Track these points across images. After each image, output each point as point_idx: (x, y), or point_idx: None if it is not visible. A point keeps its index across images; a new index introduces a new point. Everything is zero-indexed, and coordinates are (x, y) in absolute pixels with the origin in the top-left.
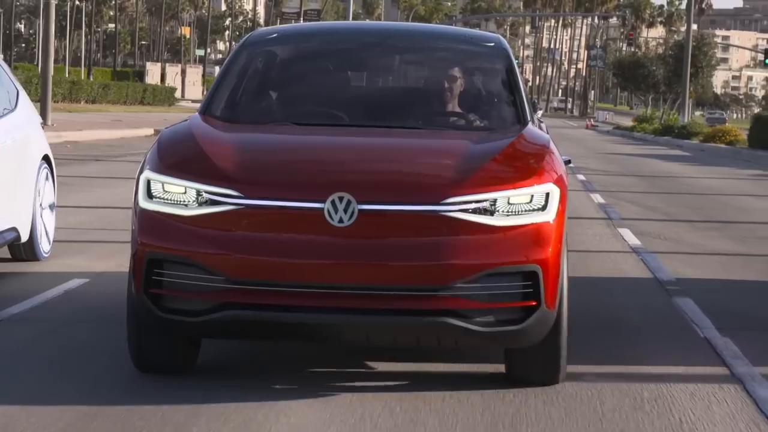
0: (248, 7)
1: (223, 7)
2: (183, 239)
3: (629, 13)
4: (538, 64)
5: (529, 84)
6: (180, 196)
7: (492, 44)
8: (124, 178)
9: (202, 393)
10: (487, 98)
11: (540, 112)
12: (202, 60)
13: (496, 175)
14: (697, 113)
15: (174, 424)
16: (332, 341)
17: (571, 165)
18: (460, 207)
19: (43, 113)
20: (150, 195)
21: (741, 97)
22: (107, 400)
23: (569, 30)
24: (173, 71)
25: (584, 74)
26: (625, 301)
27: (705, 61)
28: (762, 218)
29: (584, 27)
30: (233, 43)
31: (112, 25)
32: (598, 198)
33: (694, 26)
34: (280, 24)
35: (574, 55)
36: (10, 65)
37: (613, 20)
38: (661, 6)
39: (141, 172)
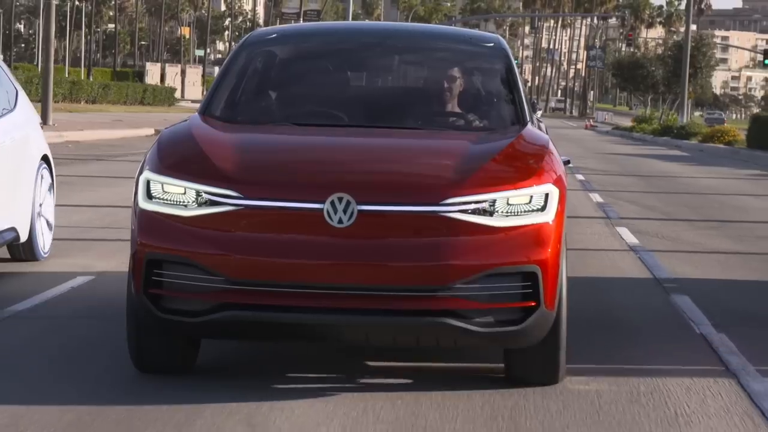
0: (248, 7)
1: (223, 8)
2: (182, 240)
3: (628, 13)
4: (538, 64)
5: (529, 84)
6: (179, 196)
7: (491, 44)
8: (126, 177)
9: (201, 393)
10: (486, 98)
11: (539, 113)
12: (201, 60)
13: (495, 175)
14: (697, 114)
15: (174, 423)
16: (332, 341)
17: (570, 165)
18: (459, 207)
19: (45, 113)
20: (149, 195)
21: (740, 97)
22: (107, 399)
23: (568, 30)
24: (173, 71)
25: (583, 75)
26: (622, 298)
27: (704, 61)
28: (760, 217)
29: (583, 27)
30: (233, 43)
31: (111, 26)
32: (596, 197)
33: (693, 27)
34: (279, 24)
35: (574, 56)
36: (9, 65)
37: (613, 21)
38: (661, 6)
39: (141, 172)
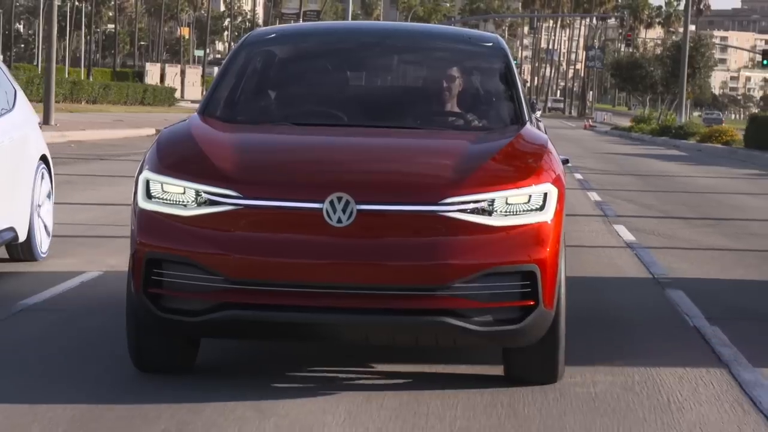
0: (247, 7)
1: (222, 8)
2: (182, 239)
3: (627, 13)
4: (537, 64)
5: (528, 85)
6: (179, 196)
7: (490, 44)
8: (129, 176)
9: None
10: (485, 98)
11: (539, 113)
12: (201, 60)
13: (494, 175)
14: (696, 114)
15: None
16: (331, 341)
17: (568, 164)
18: (458, 207)
19: (47, 113)
20: (149, 195)
21: (739, 97)
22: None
23: (567, 31)
24: (172, 72)
25: (582, 75)
26: (618, 293)
27: (702, 61)
28: (755, 215)
29: (582, 28)
30: (232, 43)
31: (111, 26)
32: (594, 196)
33: (692, 27)
34: (278, 25)
35: (573, 56)
36: (9, 66)
37: (612, 21)
38: (660, 7)
39: (140, 172)
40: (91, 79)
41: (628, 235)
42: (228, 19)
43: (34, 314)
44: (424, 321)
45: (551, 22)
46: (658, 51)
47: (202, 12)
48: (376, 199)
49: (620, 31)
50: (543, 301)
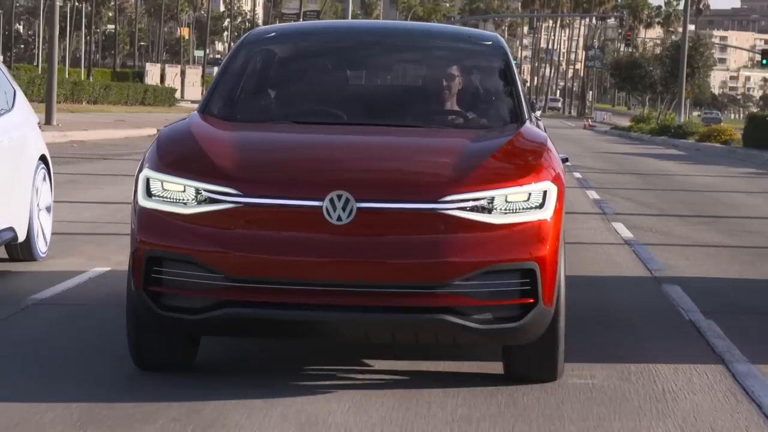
0: (247, 8)
1: (222, 8)
2: (182, 237)
3: (627, 13)
4: (536, 64)
5: (528, 85)
6: (179, 194)
7: (490, 43)
8: (132, 175)
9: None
10: (484, 96)
11: (539, 112)
12: (201, 61)
13: (494, 172)
14: (695, 113)
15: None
16: (331, 338)
17: (568, 163)
18: (458, 205)
19: (49, 113)
20: (149, 193)
21: (739, 97)
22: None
23: (567, 31)
24: (173, 72)
25: (582, 75)
26: (616, 288)
27: (701, 61)
28: (751, 213)
29: (582, 28)
30: (232, 44)
31: (111, 26)
32: (593, 194)
33: (692, 27)
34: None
35: (572, 56)
36: (9, 66)
37: (611, 21)
38: (659, 7)
39: (140, 170)
40: (91, 80)
41: (626, 232)
42: (228, 20)
43: (38, 311)
44: (424, 318)
45: (551, 22)
46: (658, 51)
47: (202, 12)
48: (376, 197)
49: (620, 31)
50: (543, 299)
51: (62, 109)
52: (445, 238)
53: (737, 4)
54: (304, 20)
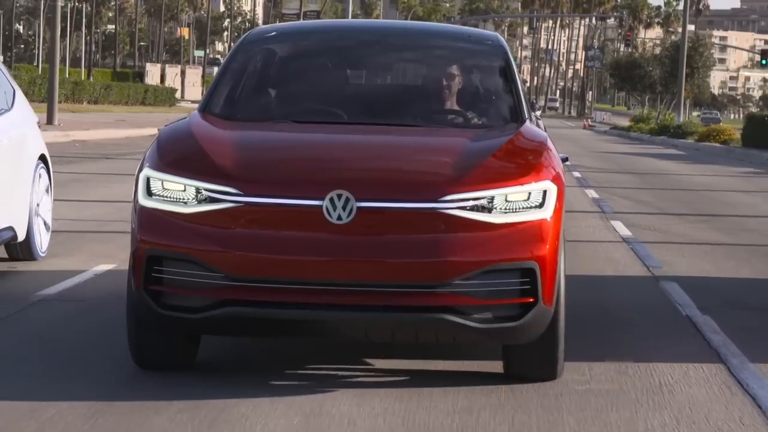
0: (247, 8)
1: (222, 8)
2: (182, 236)
3: (626, 13)
4: (536, 64)
5: (528, 85)
6: (179, 193)
7: (490, 42)
8: (134, 174)
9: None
10: (484, 96)
11: (539, 112)
12: (201, 61)
13: (494, 172)
14: (695, 114)
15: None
16: (331, 338)
17: (567, 163)
18: (458, 204)
19: (50, 113)
20: (149, 192)
21: (738, 97)
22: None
23: (567, 31)
24: (173, 72)
25: (582, 75)
26: (614, 285)
27: (701, 61)
28: (748, 212)
29: (582, 28)
30: (232, 44)
31: (111, 27)
32: (592, 193)
33: (691, 27)
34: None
35: (572, 56)
36: (10, 67)
37: (611, 21)
38: (659, 7)
39: (140, 169)
40: (91, 80)
41: (624, 231)
42: (228, 20)
43: (41, 309)
44: (423, 318)
45: (550, 22)
46: (657, 51)
47: (202, 12)
48: (376, 197)
49: (619, 31)
50: (542, 298)
51: (63, 109)
52: (445, 238)
53: (737, 4)
54: (304, 20)
